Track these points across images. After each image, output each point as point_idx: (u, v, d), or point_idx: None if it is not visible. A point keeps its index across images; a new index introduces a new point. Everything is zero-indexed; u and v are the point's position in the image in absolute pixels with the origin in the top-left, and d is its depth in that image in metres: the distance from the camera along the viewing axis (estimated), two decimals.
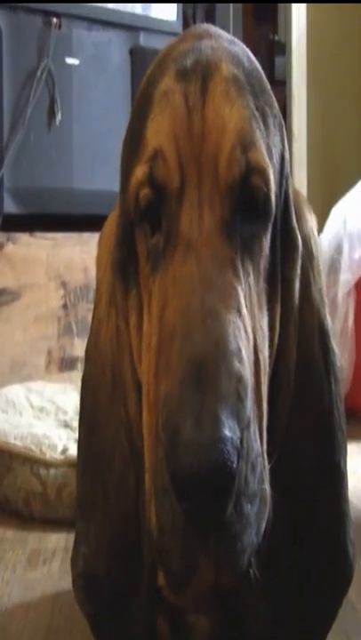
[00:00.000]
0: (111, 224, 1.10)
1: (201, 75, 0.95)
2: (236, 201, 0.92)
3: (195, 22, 4.90)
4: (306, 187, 4.39)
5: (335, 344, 1.08)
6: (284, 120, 3.96)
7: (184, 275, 0.89)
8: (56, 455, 2.14)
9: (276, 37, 5.28)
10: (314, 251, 1.07)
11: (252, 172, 0.92)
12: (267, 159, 0.94)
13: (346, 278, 3.08)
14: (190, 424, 0.77)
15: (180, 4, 3.56)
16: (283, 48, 4.78)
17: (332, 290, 3.07)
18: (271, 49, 5.28)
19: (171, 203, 0.93)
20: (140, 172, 0.95)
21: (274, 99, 1.03)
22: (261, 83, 1.01)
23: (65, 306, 3.13)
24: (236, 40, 1.05)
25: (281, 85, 4.63)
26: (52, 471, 2.12)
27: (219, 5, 5.03)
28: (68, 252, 3.09)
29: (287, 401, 1.01)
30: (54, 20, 3.15)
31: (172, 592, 0.93)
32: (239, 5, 5.11)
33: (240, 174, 0.92)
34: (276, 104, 1.03)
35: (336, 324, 3.03)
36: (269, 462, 0.93)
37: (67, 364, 3.13)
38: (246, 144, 0.92)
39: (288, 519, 0.99)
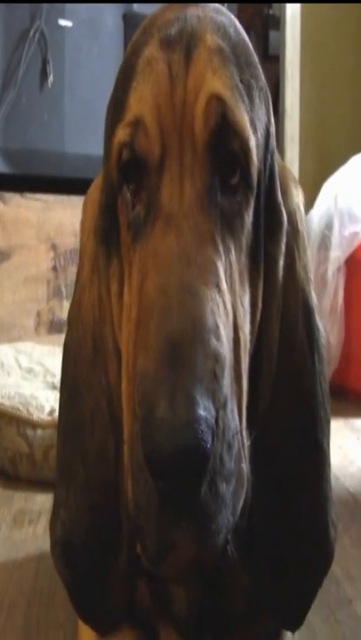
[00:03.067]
0: (95, 190, 1.09)
1: (185, 44, 0.94)
2: (215, 165, 0.91)
3: None
4: (298, 163, 4.37)
5: (320, 321, 1.07)
6: (277, 96, 3.93)
7: (163, 249, 0.88)
8: (43, 416, 2.16)
9: (271, 11, 5.22)
10: (299, 227, 1.05)
11: (231, 133, 0.91)
12: (248, 124, 0.93)
13: (336, 255, 3.09)
14: (165, 403, 0.77)
15: None
16: (277, 22, 4.73)
17: (323, 266, 3.08)
18: (266, 23, 5.22)
19: (151, 173, 0.92)
20: (121, 133, 0.94)
21: (260, 71, 1.01)
22: (247, 54, 0.99)
23: (55, 268, 3.13)
24: (223, 9, 1.03)
25: (275, 61, 4.58)
26: (39, 432, 2.13)
27: None
28: (59, 214, 3.08)
29: (269, 378, 1.00)
30: None
31: (150, 565, 0.92)
32: None
33: (216, 127, 0.91)
34: (262, 77, 1.01)
35: (326, 300, 3.04)
36: (249, 439, 0.93)
37: (56, 327, 3.13)
38: (224, 100, 0.91)
39: (269, 498, 0.99)
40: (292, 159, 4.36)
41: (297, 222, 1.05)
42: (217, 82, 0.92)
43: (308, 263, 1.07)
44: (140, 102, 0.93)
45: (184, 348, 0.80)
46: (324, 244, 3.14)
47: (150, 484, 0.79)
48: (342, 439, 2.52)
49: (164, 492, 0.78)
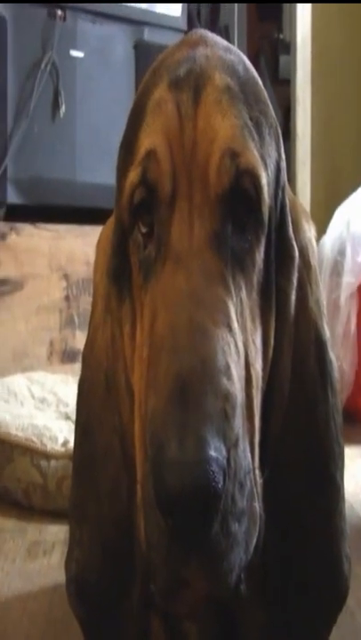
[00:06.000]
0: (108, 230, 1.09)
1: (194, 84, 0.95)
2: (226, 211, 0.91)
3: (199, 20, 4.88)
4: (309, 187, 4.36)
5: (333, 355, 1.06)
6: (288, 120, 3.95)
7: (173, 288, 0.88)
8: (57, 447, 2.15)
9: (281, 36, 5.25)
10: (311, 261, 1.05)
11: (243, 174, 0.92)
12: (259, 162, 0.93)
13: (349, 281, 3.09)
14: (174, 443, 0.77)
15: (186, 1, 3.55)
16: (287, 47, 4.75)
17: (335, 292, 3.08)
18: (276, 47, 5.26)
19: (163, 208, 0.93)
20: (133, 174, 0.95)
21: (270, 108, 1.02)
22: (256, 92, 1.00)
23: (67, 297, 3.14)
24: (232, 48, 1.04)
25: (285, 84, 4.59)
26: (53, 463, 2.13)
27: (223, 4, 5.00)
28: (71, 244, 3.09)
29: (281, 413, 1.00)
30: (59, 12, 3.15)
31: (162, 602, 0.92)
32: (243, 4, 5.08)
33: (229, 183, 0.91)
34: (272, 113, 1.02)
35: (338, 327, 3.03)
36: (262, 476, 0.93)
37: (68, 356, 3.14)
38: (237, 152, 0.92)
39: (282, 535, 0.98)
40: (303, 183, 4.37)
41: (309, 257, 1.05)
42: (226, 123, 0.92)
43: (321, 297, 1.06)
44: (152, 137, 0.94)
45: (194, 388, 0.80)
46: (337, 270, 3.14)
47: (161, 522, 0.79)
48: (356, 467, 2.51)
49: (175, 531, 0.78)
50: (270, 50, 5.35)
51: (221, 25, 5.04)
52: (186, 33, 3.30)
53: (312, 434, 1.02)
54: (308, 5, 4.38)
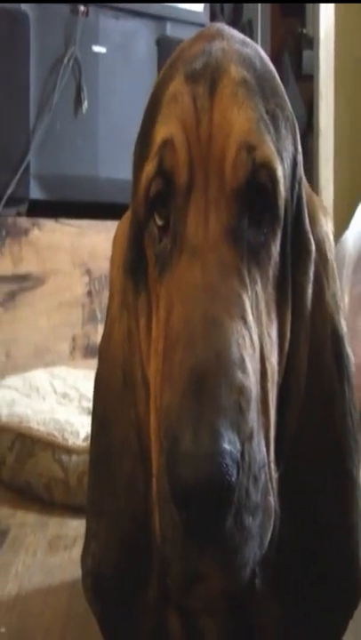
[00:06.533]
0: (124, 224, 1.10)
1: (210, 77, 0.94)
2: (242, 205, 0.91)
3: (223, 14, 4.88)
4: (332, 183, 4.35)
5: (350, 350, 1.05)
6: (311, 115, 3.94)
7: (188, 281, 0.88)
8: (78, 442, 2.16)
9: (305, 31, 5.23)
10: (328, 255, 1.05)
11: (259, 168, 0.91)
12: (275, 155, 0.93)
13: None
14: (189, 436, 0.76)
15: None
16: (311, 42, 4.74)
17: (358, 287, 3.07)
18: (299, 43, 5.24)
19: (179, 199, 0.93)
20: (150, 166, 0.95)
21: (287, 101, 1.02)
22: (273, 85, 1.00)
23: (89, 293, 3.15)
24: (248, 41, 1.03)
25: (309, 80, 4.58)
26: (74, 458, 2.14)
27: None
28: (93, 239, 3.10)
29: (297, 407, 0.99)
30: (81, 7, 3.16)
31: (177, 596, 0.92)
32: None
33: (246, 177, 0.91)
34: (288, 106, 1.02)
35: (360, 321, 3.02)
36: (278, 470, 0.93)
37: (91, 351, 3.14)
38: (253, 145, 0.91)
39: (297, 529, 0.98)
40: (326, 179, 4.35)
41: (326, 250, 1.05)
42: (242, 116, 0.92)
43: (338, 292, 1.06)
44: (168, 127, 0.94)
45: (208, 381, 0.80)
46: (360, 265, 3.13)
47: (176, 515, 0.79)
48: None
49: (189, 525, 0.78)
50: (294, 45, 5.33)
51: (245, 20, 5.05)
52: None
53: (328, 428, 1.02)
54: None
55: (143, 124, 1.02)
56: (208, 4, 3.53)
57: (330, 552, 1.02)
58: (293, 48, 5.30)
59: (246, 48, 1.01)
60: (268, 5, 5.07)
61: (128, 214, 1.09)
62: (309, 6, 4.97)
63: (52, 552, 1.86)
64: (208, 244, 0.89)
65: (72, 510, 2.09)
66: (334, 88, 4.43)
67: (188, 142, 0.93)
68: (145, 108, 1.03)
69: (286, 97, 1.02)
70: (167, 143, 0.94)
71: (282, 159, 0.96)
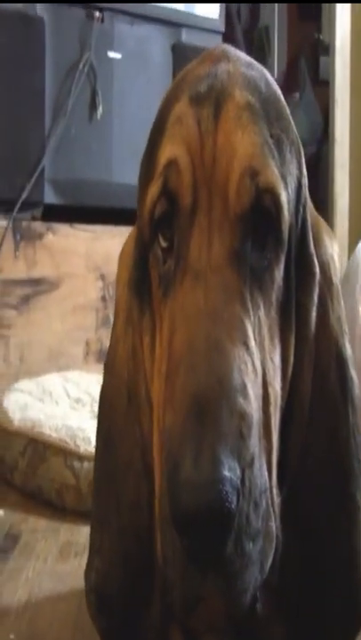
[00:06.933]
0: (130, 242, 1.10)
1: (214, 100, 0.95)
2: (246, 229, 0.91)
3: (240, 20, 4.87)
4: (348, 191, 4.33)
5: (354, 373, 1.05)
6: (327, 122, 3.92)
7: (191, 305, 0.88)
8: (90, 448, 2.15)
9: (321, 37, 5.21)
10: (333, 278, 1.05)
11: (263, 193, 0.92)
12: (279, 180, 0.93)
13: None
14: (189, 462, 0.77)
15: (224, 3, 3.54)
16: (327, 48, 4.72)
17: None
18: (316, 48, 5.22)
19: (183, 221, 0.93)
20: (154, 187, 0.96)
21: (292, 124, 1.02)
22: (278, 108, 1.00)
23: (103, 298, 3.16)
24: (254, 63, 1.04)
25: (326, 85, 4.55)
26: (86, 464, 2.14)
27: (263, 5, 4.98)
28: (107, 244, 3.11)
29: (301, 431, 0.99)
30: (97, 13, 3.16)
31: (179, 616, 0.93)
32: (284, 4, 5.05)
33: (249, 202, 0.91)
34: (293, 129, 1.02)
35: None
36: (280, 494, 0.93)
37: (104, 356, 3.13)
38: (256, 170, 0.92)
39: (300, 554, 0.98)
40: (341, 186, 4.33)
41: (330, 273, 1.05)
42: (246, 140, 0.93)
43: (342, 314, 1.06)
44: (173, 148, 0.95)
45: (209, 406, 0.80)
46: None
47: (177, 540, 0.80)
48: None
49: (189, 549, 0.79)
50: (311, 51, 5.31)
51: (261, 26, 5.04)
52: (224, 35, 3.30)
53: (332, 452, 1.02)
54: (348, 6, 4.33)
55: (148, 144, 1.03)
56: (223, 12, 3.52)
57: (332, 576, 1.02)
58: (310, 54, 5.28)
59: (252, 70, 1.01)
60: (284, 11, 5.05)
61: (133, 232, 1.09)
62: (325, 12, 4.95)
63: (62, 559, 1.86)
64: (211, 267, 0.90)
65: (83, 517, 2.08)
66: (350, 95, 4.40)
67: (192, 164, 0.93)
68: (150, 129, 1.04)
69: (291, 120, 1.03)
70: (172, 164, 0.94)
71: (286, 183, 0.96)
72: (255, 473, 0.82)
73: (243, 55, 1.05)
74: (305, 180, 1.03)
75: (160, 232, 0.97)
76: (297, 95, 4.86)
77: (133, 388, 1.06)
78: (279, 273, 0.96)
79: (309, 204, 1.05)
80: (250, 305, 0.90)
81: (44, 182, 3.09)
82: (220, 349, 0.85)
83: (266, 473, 0.86)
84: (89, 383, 2.72)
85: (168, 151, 0.95)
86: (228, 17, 3.72)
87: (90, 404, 2.55)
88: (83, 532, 2.00)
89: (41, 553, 1.89)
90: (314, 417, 1.00)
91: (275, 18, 4.95)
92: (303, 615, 1.00)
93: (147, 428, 1.02)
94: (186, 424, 0.80)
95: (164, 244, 0.97)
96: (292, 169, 0.99)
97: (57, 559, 1.86)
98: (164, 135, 0.98)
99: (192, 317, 0.88)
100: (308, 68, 4.97)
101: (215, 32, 3.48)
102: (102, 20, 3.18)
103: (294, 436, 0.99)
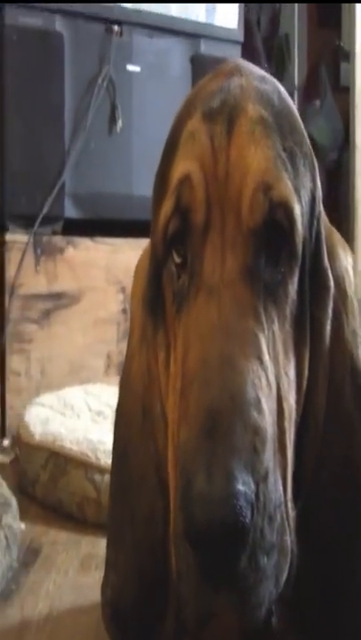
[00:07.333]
0: (144, 259, 1.11)
1: (227, 116, 0.95)
2: (259, 243, 0.91)
3: (259, 29, 4.88)
4: None
5: None
6: (348, 128, 3.90)
7: (204, 320, 0.88)
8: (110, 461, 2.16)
9: (341, 43, 5.22)
10: (348, 291, 1.04)
11: (276, 207, 0.92)
12: (292, 194, 0.93)
13: None
14: (202, 477, 0.77)
15: (243, 12, 3.54)
16: (347, 54, 4.72)
17: None
18: (336, 55, 5.23)
19: (196, 238, 0.93)
20: (167, 205, 0.96)
21: (305, 137, 1.02)
22: (291, 122, 1.00)
23: (124, 310, 3.16)
24: (267, 77, 1.04)
25: (346, 92, 4.55)
26: (107, 477, 2.12)
27: (283, 12, 4.99)
28: (127, 257, 3.11)
29: (315, 445, 0.99)
30: (115, 27, 3.17)
31: (192, 631, 0.92)
32: (304, 11, 5.05)
33: (262, 217, 0.91)
34: (307, 142, 1.02)
35: None
36: (295, 508, 0.93)
37: None
38: (270, 184, 0.91)
39: (315, 567, 0.97)
40: None
41: (345, 286, 1.05)
42: (259, 154, 0.93)
43: (357, 328, 1.05)
44: (186, 164, 0.95)
45: (223, 421, 0.81)
46: None
47: (190, 554, 0.80)
48: None
49: (203, 564, 0.79)
50: (331, 57, 5.32)
51: (281, 33, 5.05)
52: (243, 44, 3.29)
53: (347, 465, 1.01)
54: None
55: (162, 161, 1.03)
56: (242, 22, 3.52)
57: (347, 589, 1.01)
58: (331, 61, 5.28)
59: (265, 84, 1.01)
60: (304, 18, 5.06)
61: (148, 249, 1.10)
62: (345, 19, 4.95)
63: (83, 571, 1.86)
64: (224, 282, 0.90)
65: (104, 529, 2.05)
66: None
67: (205, 180, 0.93)
68: (164, 146, 1.04)
69: (305, 133, 1.03)
70: (185, 181, 0.94)
71: (299, 197, 0.96)
72: (270, 487, 0.82)
73: (256, 69, 1.05)
74: (319, 193, 1.03)
75: (174, 248, 0.97)
76: (318, 102, 4.88)
77: (148, 403, 1.06)
78: (293, 287, 0.95)
79: (323, 217, 1.05)
80: (264, 319, 0.90)
81: (65, 197, 3.11)
82: (234, 364, 0.85)
83: (281, 487, 0.86)
84: (110, 396, 2.72)
85: (181, 168, 0.96)
86: (247, 26, 3.72)
87: (111, 417, 2.54)
88: (103, 545, 1.95)
89: (62, 566, 1.89)
90: (328, 430, 1.00)
91: (295, 25, 4.96)
92: (318, 629, 1.00)
93: (162, 444, 1.02)
94: (199, 439, 0.80)
95: (177, 260, 0.97)
96: (306, 182, 0.99)
97: (78, 572, 1.86)
98: (178, 152, 0.98)
99: (206, 333, 0.88)
100: (328, 74, 4.98)
101: (234, 42, 3.49)
102: (121, 34, 3.19)
103: (309, 449, 0.98)
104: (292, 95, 4.79)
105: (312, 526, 0.97)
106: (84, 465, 2.19)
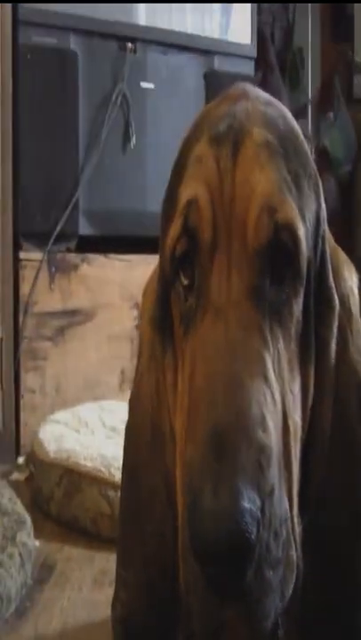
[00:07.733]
0: (153, 279, 1.13)
1: (233, 139, 0.96)
2: (264, 265, 0.93)
3: (273, 43, 4.90)
4: None
5: None
6: (360, 141, 3.91)
7: (211, 340, 0.90)
8: None
9: (355, 56, 5.23)
10: (353, 309, 1.05)
11: (281, 229, 0.93)
12: (297, 216, 0.94)
13: None
14: (209, 494, 0.78)
15: (256, 27, 3.56)
16: (360, 67, 4.74)
17: None
18: (349, 67, 5.25)
19: (203, 258, 0.95)
20: (175, 227, 0.97)
21: (310, 159, 1.03)
22: (296, 144, 1.01)
23: (138, 327, 3.17)
24: (273, 101, 1.05)
25: (360, 104, 4.58)
26: None
27: (297, 25, 5.01)
28: (141, 273, 3.11)
29: (321, 462, 1.00)
30: (129, 44, 3.20)
31: None
32: (317, 24, 5.07)
33: (267, 238, 0.92)
34: (312, 164, 1.03)
35: None
36: (301, 523, 0.93)
37: None
38: (274, 207, 0.93)
39: (321, 581, 0.98)
40: None
41: (350, 305, 1.06)
42: (264, 177, 0.94)
43: None
44: (193, 187, 0.96)
45: (229, 439, 0.82)
46: None
47: (197, 569, 0.81)
48: None
49: (210, 578, 0.80)
50: (345, 70, 5.34)
51: (295, 47, 5.07)
52: (256, 59, 3.30)
53: (353, 481, 1.02)
54: None
55: (170, 184, 1.05)
56: (255, 37, 3.53)
57: (353, 604, 1.02)
58: (344, 73, 5.30)
59: (270, 108, 1.03)
60: (318, 32, 5.08)
61: (156, 269, 1.12)
62: (358, 32, 4.97)
63: (97, 587, 1.88)
64: (230, 303, 0.91)
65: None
66: None
67: (212, 202, 0.95)
68: (172, 169, 1.05)
69: (310, 154, 1.04)
70: (192, 203, 0.96)
71: (304, 218, 0.97)
72: (275, 503, 0.83)
73: (262, 93, 1.06)
74: (324, 214, 1.04)
75: (181, 270, 0.98)
76: (331, 115, 4.89)
77: (157, 422, 1.07)
78: (298, 306, 0.96)
79: (329, 236, 1.06)
80: (269, 338, 0.91)
81: (79, 214, 3.13)
82: (239, 383, 0.86)
83: (286, 503, 0.87)
84: (125, 411, 2.73)
85: (188, 190, 0.97)
86: (261, 40, 3.73)
87: None
88: None
89: (76, 582, 1.91)
90: (334, 446, 1.01)
91: (308, 39, 4.98)
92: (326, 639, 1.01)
93: (170, 462, 1.04)
94: (205, 457, 0.81)
95: (185, 281, 0.98)
96: (311, 203, 1.00)
97: (92, 588, 1.87)
98: (185, 174, 0.99)
99: (212, 353, 0.89)
100: (341, 87, 4.99)
101: (248, 58, 3.51)
102: (135, 51, 3.22)
103: (315, 465, 0.99)
104: (305, 108, 4.85)
105: (318, 541, 0.98)
106: (97, 481, 2.21)
